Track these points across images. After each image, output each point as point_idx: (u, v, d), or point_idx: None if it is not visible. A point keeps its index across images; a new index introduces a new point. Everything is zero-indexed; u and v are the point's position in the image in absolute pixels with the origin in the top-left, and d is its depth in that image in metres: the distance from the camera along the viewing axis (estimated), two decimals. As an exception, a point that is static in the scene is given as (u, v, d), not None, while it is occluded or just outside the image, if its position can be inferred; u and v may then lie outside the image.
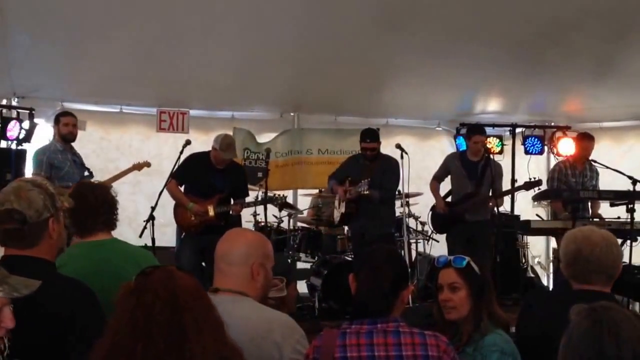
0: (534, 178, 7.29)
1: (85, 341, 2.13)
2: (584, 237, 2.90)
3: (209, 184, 6.65)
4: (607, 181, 7.74)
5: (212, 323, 1.89)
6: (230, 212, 6.76)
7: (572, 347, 1.82)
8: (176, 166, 6.63)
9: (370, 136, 6.95)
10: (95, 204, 3.10)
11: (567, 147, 9.04)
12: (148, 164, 7.43)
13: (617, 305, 1.87)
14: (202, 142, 7.65)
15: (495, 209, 7.17)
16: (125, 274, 2.82)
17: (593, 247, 2.85)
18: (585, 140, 7.81)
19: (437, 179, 7.59)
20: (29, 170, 7.92)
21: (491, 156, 7.51)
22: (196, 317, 1.84)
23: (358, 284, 2.61)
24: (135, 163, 7.41)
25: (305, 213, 9.00)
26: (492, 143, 9.22)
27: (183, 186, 6.76)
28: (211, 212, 6.60)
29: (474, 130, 7.51)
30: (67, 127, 6.96)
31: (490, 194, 7.27)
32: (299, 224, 8.63)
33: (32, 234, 2.43)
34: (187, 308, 1.84)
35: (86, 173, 7.03)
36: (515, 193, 8.35)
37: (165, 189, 6.54)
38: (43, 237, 2.45)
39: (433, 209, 7.65)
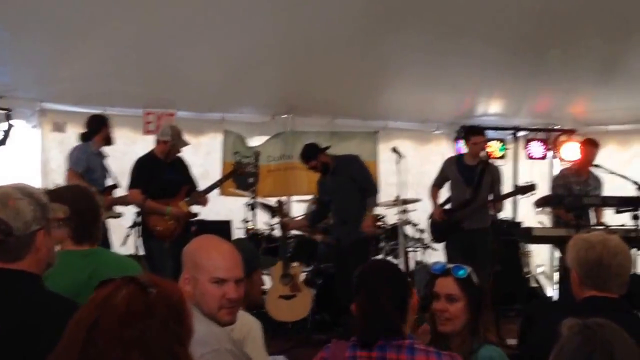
0: (528, 183, 7.13)
1: None
2: (602, 244, 2.84)
3: (167, 180, 6.47)
4: (613, 187, 7.50)
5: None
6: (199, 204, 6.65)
7: None
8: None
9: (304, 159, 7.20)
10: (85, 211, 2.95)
11: (571, 151, 8.80)
12: None
13: (612, 323, 1.83)
14: (191, 145, 7.20)
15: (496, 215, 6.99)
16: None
17: (614, 254, 2.82)
18: (591, 146, 7.61)
19: (437, 185, 7.38)
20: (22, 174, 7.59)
21: (490, 160, 7.36)
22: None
23: (359, 313, 2.43)
24: None
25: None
26: (494, 147, 9.01)
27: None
28: (185, 208, 6.48)
29: (473, 131, 7.27)
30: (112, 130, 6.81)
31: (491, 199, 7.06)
32: (293, 232, 8.28)
33: (17, 247, 2.24)
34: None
35: (110, 182, 6.68)
36: (518, 198, 8.15)
37: (131, 202, 6.37)
38: (30, 251, 2.27)
39: (432, 216, 7.44)
